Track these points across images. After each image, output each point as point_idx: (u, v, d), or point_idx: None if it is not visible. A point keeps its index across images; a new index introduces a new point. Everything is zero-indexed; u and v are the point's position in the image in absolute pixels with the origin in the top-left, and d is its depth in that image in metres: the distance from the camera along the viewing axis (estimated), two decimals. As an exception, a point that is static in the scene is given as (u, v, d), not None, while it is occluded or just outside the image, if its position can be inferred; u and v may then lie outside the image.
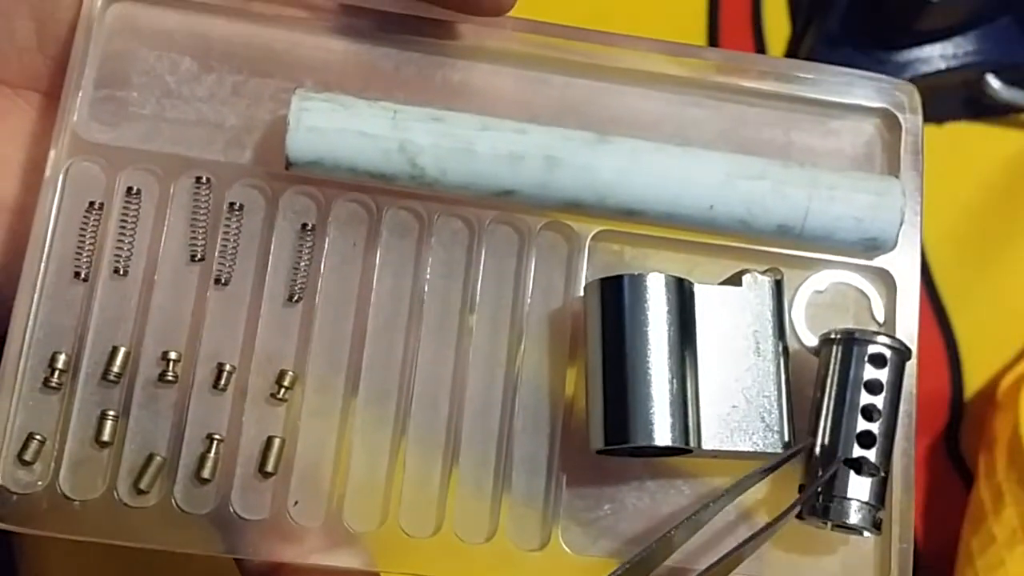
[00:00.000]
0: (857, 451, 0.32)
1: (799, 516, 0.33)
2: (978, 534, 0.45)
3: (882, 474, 0.32)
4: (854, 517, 0.32)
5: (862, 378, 0.33)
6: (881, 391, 0.33)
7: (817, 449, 0.33)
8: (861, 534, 0.33)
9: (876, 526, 0.32)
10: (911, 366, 0.34)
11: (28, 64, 0.34)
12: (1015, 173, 0.50)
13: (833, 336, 0.33)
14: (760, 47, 0.51)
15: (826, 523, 0.33)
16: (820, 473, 0.33)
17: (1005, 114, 0.50)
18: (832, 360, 0.33)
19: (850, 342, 0.33)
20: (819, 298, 0.36)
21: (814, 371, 0.34)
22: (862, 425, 0.32)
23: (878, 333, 0.33)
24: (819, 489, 0.33)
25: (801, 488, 0.33)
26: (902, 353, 0.33)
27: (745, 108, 0.37)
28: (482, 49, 0.35)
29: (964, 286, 0.49)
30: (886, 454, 0.33)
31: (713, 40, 0.51)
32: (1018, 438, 0.44)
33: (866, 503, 0.32)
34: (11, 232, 0.34)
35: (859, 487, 0.32)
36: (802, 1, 0.51)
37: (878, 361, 0.33)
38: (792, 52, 0.51)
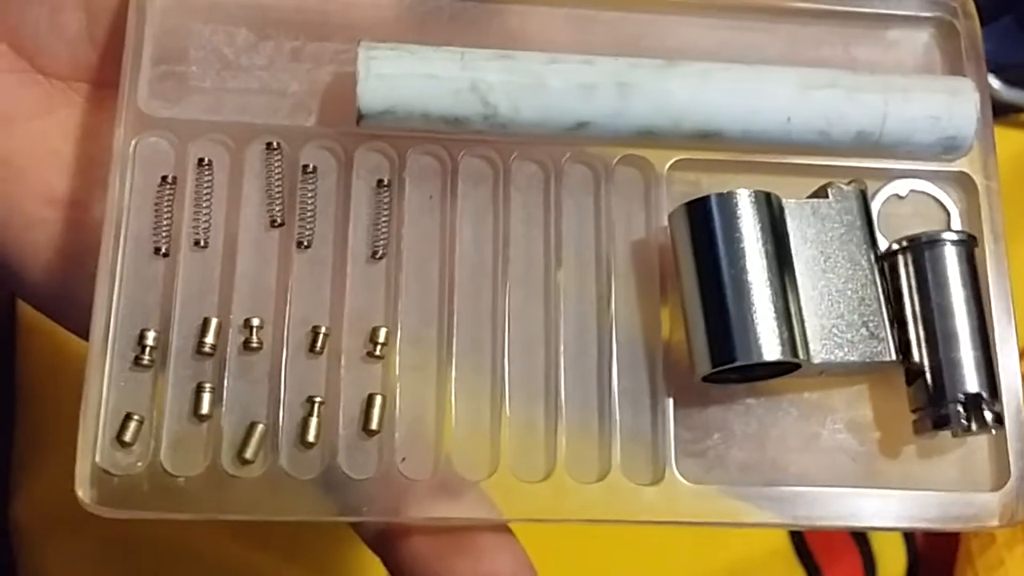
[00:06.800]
0: (956, 351, 0.32)
1: (917, 432, 0.33)
2: (978, 534, 0.45)
3: (987, 366, 0.32)
4: (974, 420, 0.31)
5: (936, 279, 0.32)
6: (956, 285, 0.32)
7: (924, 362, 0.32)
8: (988, 431, 0.32)
9: (999, 421, 0.32)
10: (1002, 259, 0.34)
11: (79, 55, 0.34)
12: (1015, 173, 0.49)
13: (894, 248, 0.33)
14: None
15: (947, 431, 0.32)
16: (929, 385, 0.32)
17: (1005, 114, 0.50)
18: (901, 271, 0.33)
19: (917, 248, 0.33)
20: (900, 208, 0.35)
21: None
22: (948, 325, 0.32)
23: (939, 231, 0.33)
24: (929, 400, 0.32)
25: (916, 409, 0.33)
26: (967, 243, 0.33)
27: (799, 27, 0.36)
28: (535, -8, 0.35)
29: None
30: (984, 345, 0.32)
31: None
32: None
33: (981, 401, 0.31)
34: (68, 225, 0.33)
35: (970, 386, 0.32)
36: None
37: (945, 257, 0.32)
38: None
